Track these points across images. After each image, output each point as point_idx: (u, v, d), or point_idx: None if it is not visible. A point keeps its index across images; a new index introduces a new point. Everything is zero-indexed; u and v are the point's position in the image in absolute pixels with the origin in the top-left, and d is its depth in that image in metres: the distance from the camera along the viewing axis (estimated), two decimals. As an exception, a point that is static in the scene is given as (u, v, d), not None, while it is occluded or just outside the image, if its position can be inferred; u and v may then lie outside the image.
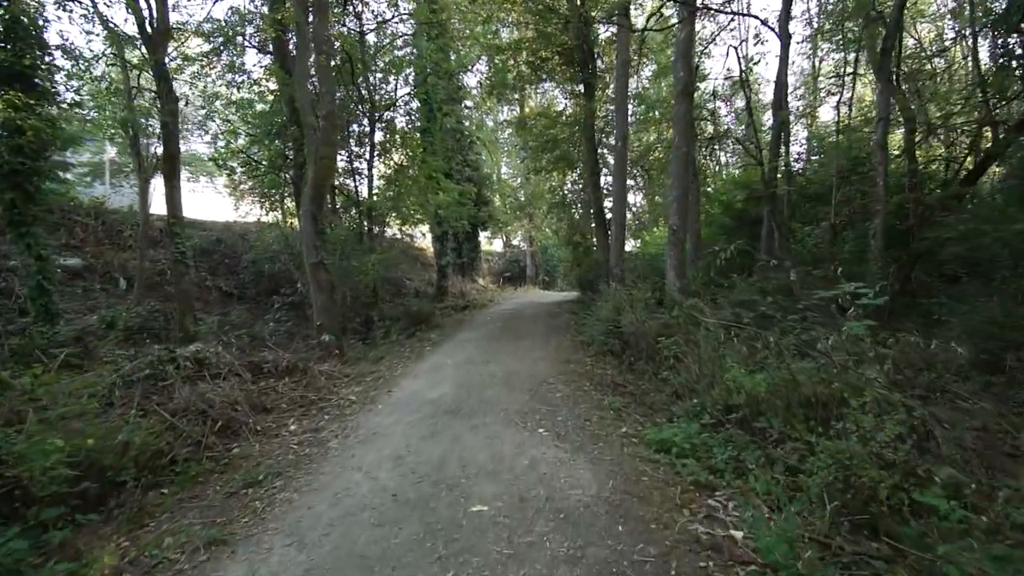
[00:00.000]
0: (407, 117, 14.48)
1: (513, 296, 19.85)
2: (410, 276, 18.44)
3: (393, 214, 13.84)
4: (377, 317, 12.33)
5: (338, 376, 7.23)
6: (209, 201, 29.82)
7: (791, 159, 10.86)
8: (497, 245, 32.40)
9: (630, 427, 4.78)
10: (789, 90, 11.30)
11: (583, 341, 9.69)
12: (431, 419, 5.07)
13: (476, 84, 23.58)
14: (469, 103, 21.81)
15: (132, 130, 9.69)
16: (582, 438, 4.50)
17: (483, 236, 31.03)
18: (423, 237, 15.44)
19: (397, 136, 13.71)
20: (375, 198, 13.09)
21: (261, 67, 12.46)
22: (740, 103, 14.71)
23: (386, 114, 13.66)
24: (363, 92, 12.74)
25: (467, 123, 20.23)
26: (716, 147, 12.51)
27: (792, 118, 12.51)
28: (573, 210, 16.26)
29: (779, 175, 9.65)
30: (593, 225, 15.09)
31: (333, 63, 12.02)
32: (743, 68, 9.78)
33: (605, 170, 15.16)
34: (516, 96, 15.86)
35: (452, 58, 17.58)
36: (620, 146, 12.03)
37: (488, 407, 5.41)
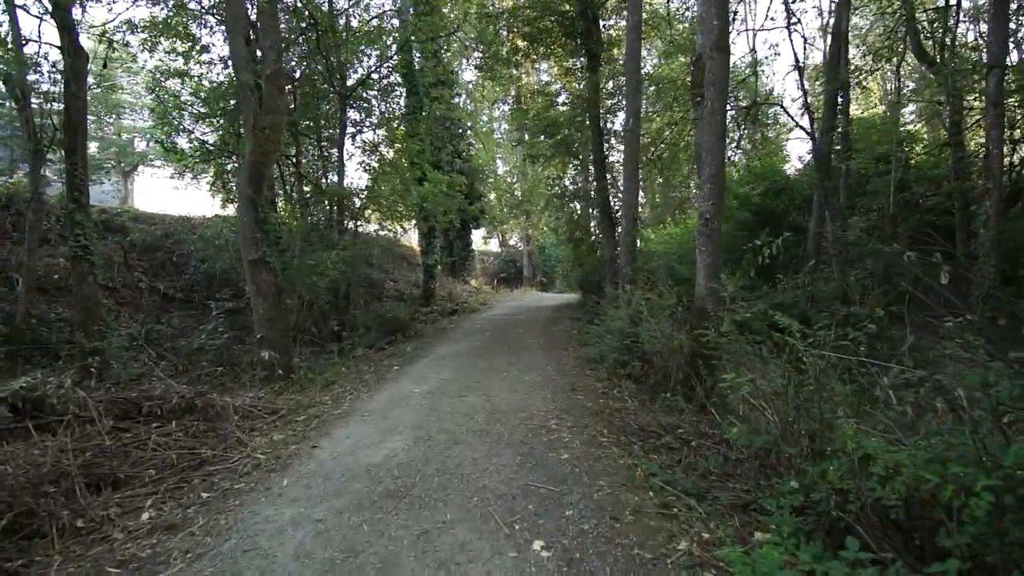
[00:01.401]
0: (386, 96, 12.37)
1: (508, 299, 17.80)
2: (394, 276, 16.37)
3: (370, 205, 11.76)
4: (344, 325, 10.26)
5: (261, 414, 5.15)
6: (194, 198, 27.74)
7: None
8: (493, 245, 30.37)
9: (690, 537, 2.71)
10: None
11: (590, 358, 7.64)
12: (357, 514, 3.00)
13: (467, 66, 21.59)
14: (460, 90, 19.79)
15: (20, 90, 7.59)
16: (612, 568, 2.44)
17: (478, 235, 29.03)
18: (404, 233, 13.41)
19: (372, 117, 11.62)
20: (346, 186, 11.02)
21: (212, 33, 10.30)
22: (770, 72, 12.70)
23: (361, 91, 11.57)
24: (331, 62, 10.65)
25: (458, 110, 18.17)
26: (748, 122, 10.40)
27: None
28: (574, 204, 14.16)
29: (834, 152, 7.63)
30: (597, 220, 13.04)
31: (291, 23, 9.98)
32: (790, 15, 7.73)
33: (611, 157, 13.09)
34: (511, 73, 13.74)
35: (441, 42, 15.56)
36: (631, 124, 9.97)
37: (454, 486, 3.34)
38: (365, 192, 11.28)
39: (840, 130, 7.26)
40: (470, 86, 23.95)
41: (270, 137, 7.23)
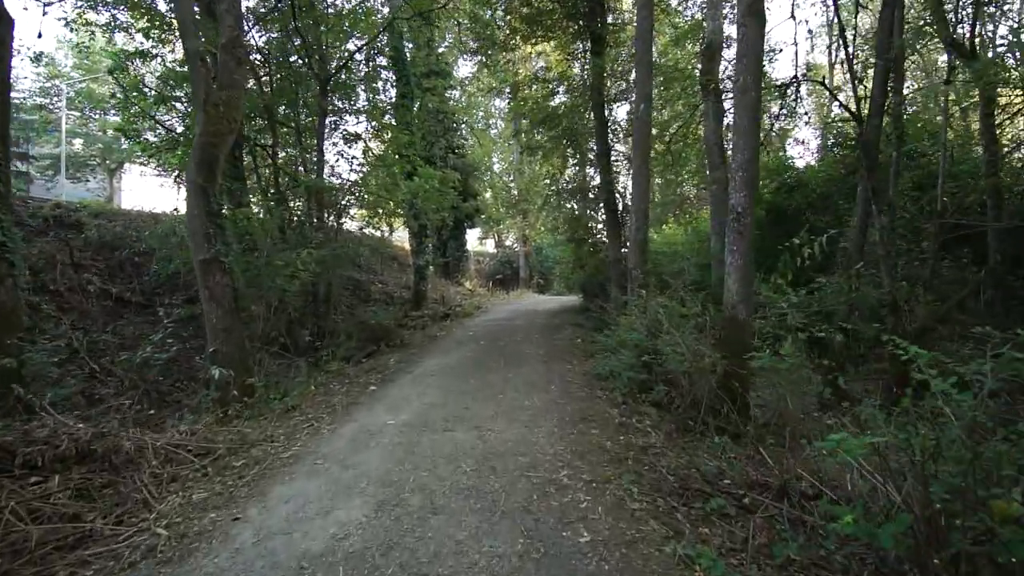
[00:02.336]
0: (371, 81, 11.17)
1: (504, 302, 16.65)
2: (383, 278, 15.17)
3: (352, 201, 10.57)
4: (322, 334, 9.07)
5: (189, 456, 3.96)
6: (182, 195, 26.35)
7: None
8: (489, 246, 29.20)
9: None
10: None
11: (600, 375, 6.50)
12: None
13: (463, 61, 20.43)
14: (455, 84, 18.62)
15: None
16: None
17: (473, 236, 27.85)
18: (391, 231, 12.24)
19: (356, 103, 10.41)
20: (327, 179, 9.83)
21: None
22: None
23: (343, 77, 10.37)
24: (310, 41, 9.46)
25: (452, 102, 17.00)
26: (786, 101, 9.10)
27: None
28: (575, 201, 12.99)
29: (884, 135, 6.50)
30: (602, 216, 11.90)
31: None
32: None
33: (616, 150, 11.94)
34: (507, 59, 12.57)
35: (434, 30, 14.38)
36: (642, 110, 8.85)
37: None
38: (347, 185, 10.08)
39: (890, 111, 6.12)
40: (466, 81, 22.83)
41: (225, 115, 6.04)
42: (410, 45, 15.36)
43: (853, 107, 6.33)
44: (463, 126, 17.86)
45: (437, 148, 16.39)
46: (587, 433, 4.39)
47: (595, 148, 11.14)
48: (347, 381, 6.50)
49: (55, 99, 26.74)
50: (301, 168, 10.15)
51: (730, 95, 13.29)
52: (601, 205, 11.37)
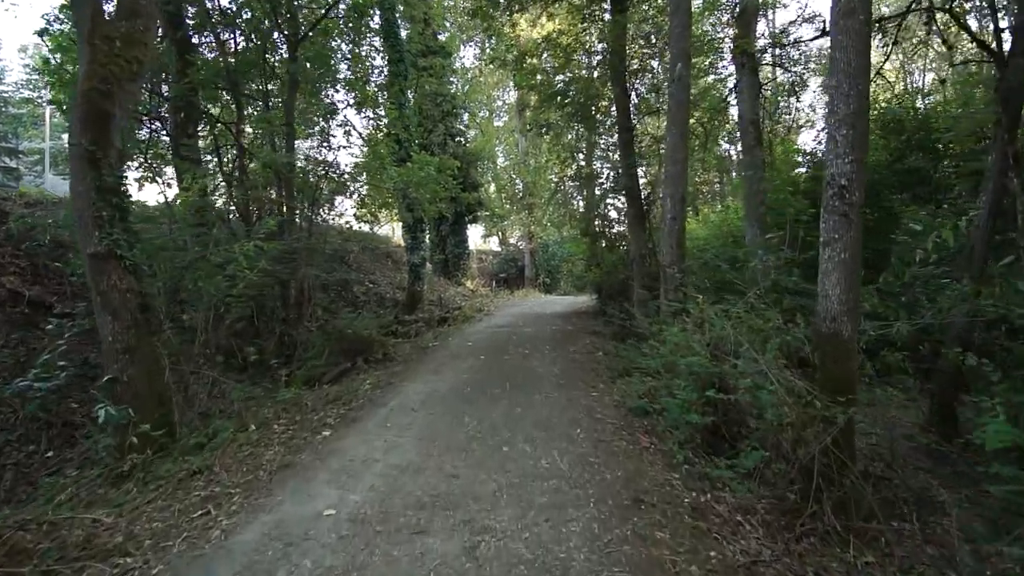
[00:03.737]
0: (356, 43, 9.31)
1: (509, 303, 14.83)
2: (374, 278, 13.37)
3: (332, 187, 8.78)
4: (286, 346, 7.30)
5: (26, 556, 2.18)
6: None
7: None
8: (493, 243, 27.39)
9: None
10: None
11: (637, 410, 4.69)
12: None
13: (465, 50, 18.64)
14: (456, 76, 16.78)
15: None
16: None
17: (476, 233, 26.02)
18: (379, 224, 10.47)
19: (334, 71, 8.55)
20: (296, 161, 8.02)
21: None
22: None
23: (318, 39, 8.53)
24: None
25: (453, 87, 15.16)
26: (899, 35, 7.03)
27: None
28: (593, 187, 11.09)
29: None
30: (622, 206, 10.07)
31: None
32: None
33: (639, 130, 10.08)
34: (510, 22, 10.69)
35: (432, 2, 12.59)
36: (679, 72, 7.01)
37: None
38: (322, 168, 8.28)
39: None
40: (467, 68, 21.00)
41: (122, 53, 4.24)
42: (406, 25, 13.61)
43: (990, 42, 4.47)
44: (464, 112, 16.02)
45: (435, 135, 14.58)
46: (648, 537, 2.58)
47: (616, 124, 9.28)
48: (298, 418, 4.70)
49: (42, 91, 25.16)
50: (265, 144, 8.35)
51: (767, 64, 11.44)
52: (622, 192, 9.52)
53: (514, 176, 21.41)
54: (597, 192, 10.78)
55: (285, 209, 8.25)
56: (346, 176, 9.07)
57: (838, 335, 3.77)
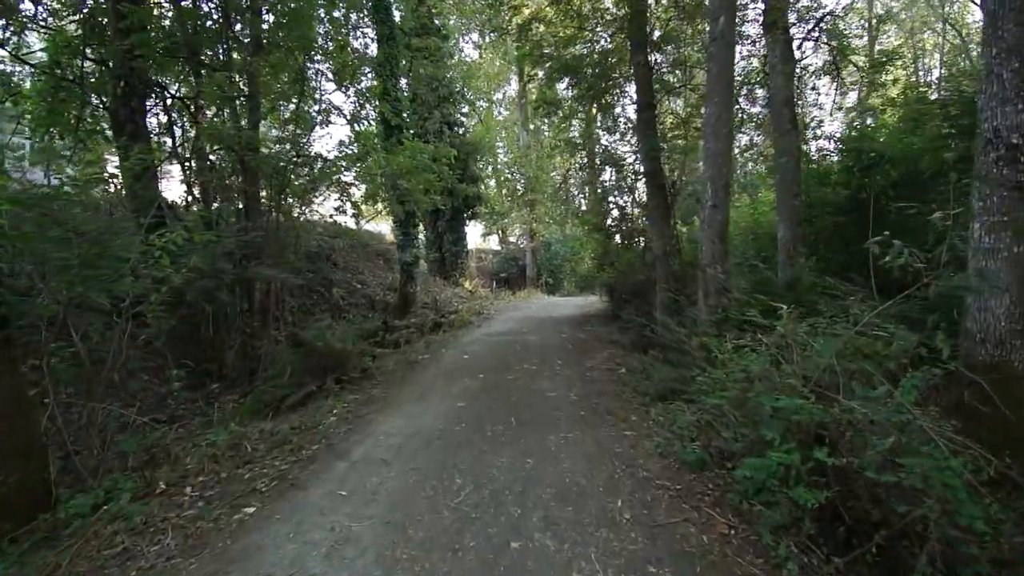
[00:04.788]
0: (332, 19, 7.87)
1: (510, 306, 13.44)
2: (363, 279, 11.97)
3: (303, 173, 7.38)
4: (250, 360, 5.93)
5: None
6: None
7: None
8: (492, 242, 25.97)
9: None
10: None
11: (695, 462, 3.31)
12: None
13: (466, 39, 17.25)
14: (456, 62, 15.36)
15: None
16: None
17: (475, 232, 24.61)
18: (363, 219, 9.08)
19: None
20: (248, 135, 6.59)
21: None
22: None
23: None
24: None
25: (450, 71, 13.75)
26: None
27: None
28: (610, 173, 9.66)
29: None
30: (640, 199, 8.69)
31: None
32: None
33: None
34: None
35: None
36: (722, 28, 5.64)
37: None
38: (292, 151, 6.86)
39: None
40: (467, 57, 19.59)
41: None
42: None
43: None
44: (462, 99, 14.61)
45: (431, 123, 13.18)
46: None
47: (636, 101, 7.89)
48: (224, 475, 3.31)
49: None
50: (225, 118, 6.93)
51: (799, 38, 10.06)
52: (641, 179, 8.13)
53: (515, 170, 19.98)
54: (612, 180, 9.38)
55: (246, 197, 6.86)
56: (324, 161, 7.68)
57: (1007, 365, 2.41)
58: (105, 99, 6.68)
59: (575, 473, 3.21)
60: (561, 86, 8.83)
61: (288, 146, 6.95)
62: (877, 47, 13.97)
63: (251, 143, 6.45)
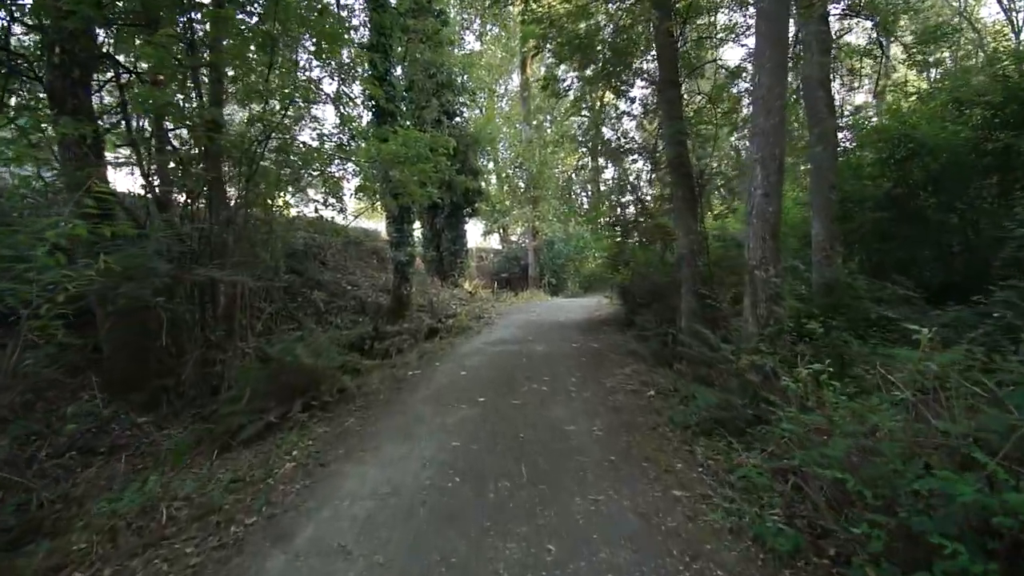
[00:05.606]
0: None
1: (513, 308, 12.37)
2: (354, 279, 10.91)
3: (277, 158, 6.33)
4: (188, 377, 4.90)
5: None
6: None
7: None
8: (493, 241, 24.88)
9: None
10: None
11: (781, 545, 2.24)
12: None
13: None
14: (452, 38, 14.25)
15: None
16: None
17: (476, 232, 23.55)
18: (343, 214, 8.04)
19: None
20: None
21: None
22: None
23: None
24: None
25: (449, 56, 12.66)
26: None
27: None
28: (627, 162, 8.55)
29: None
30: (658, 194, 7.63)
31: None
32: None
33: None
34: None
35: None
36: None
37: None
38: (262, 132, 5.79)
39: None
40: (468, 48, 18.46)
41: None
42: None
43: None
44: (463, 89, 13.51)
45: (428, 112, 12.10)
46: None
47: (658, 78, 6.82)
48: None
49: None
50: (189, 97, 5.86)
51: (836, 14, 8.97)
52: (666, 169, 7.05)
53: (518, 163, 18.88)
54: (630, 170, 8.29)
55: (210, 186, 5.80)
56: (305, 147, 6.63)
57: None
58: (39, 69, 5.62)
59: (619, 572, 2.16)
60: (568, 71, 7.73)
61: (260, 126, 5.88)
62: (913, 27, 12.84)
63: (212, 121, 5.40)
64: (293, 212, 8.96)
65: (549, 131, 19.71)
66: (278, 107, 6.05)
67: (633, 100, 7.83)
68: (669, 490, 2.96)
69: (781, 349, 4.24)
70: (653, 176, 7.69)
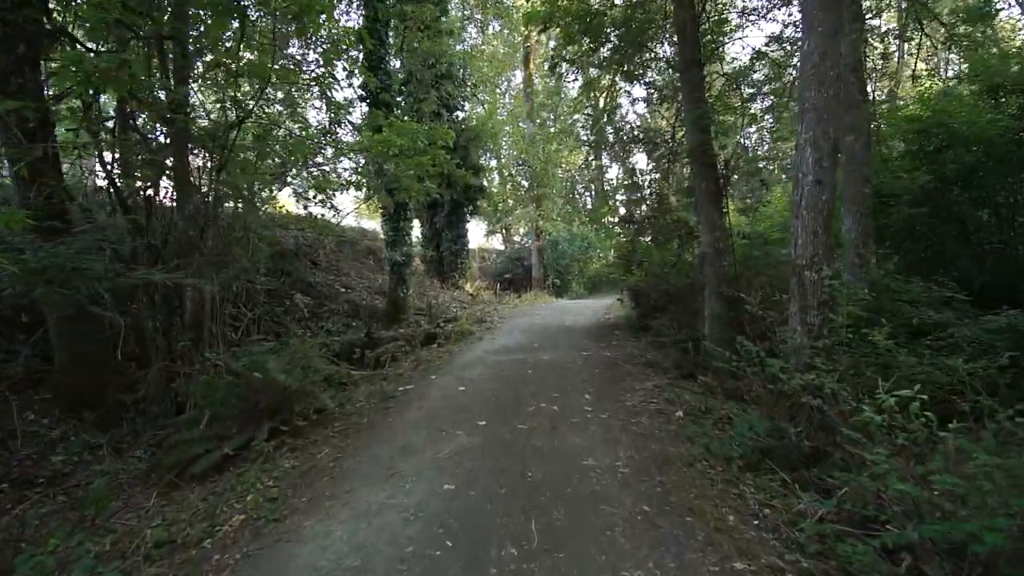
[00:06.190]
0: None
1: (516, 311, 11.63)
2: (348, 281, 10.19)
3: (237, 142, 5.61)
4: (146, 393, 4.20)
5: None
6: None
7: None
8: (496, 242, 24.14)
9: None
10: None
11: None
12: None
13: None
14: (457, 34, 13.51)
15: None
16: None
17: (479, 232, 22.84)
18: (334, 212, 7.37)
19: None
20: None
21: None
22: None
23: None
24: None
25: (449, 47, 11.93)
26: None
27: None
28: (640, 153, 7.76)
29: None
30: (687, 179, 6.90)
31: None
32: None
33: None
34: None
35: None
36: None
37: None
38: (234, 111, 5.07)
39: None
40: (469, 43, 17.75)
41: None
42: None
43: None
44: (463, 83, 12.80)
45: (427, 104, 11.38)
46: None
47: (679, 59, 6.07)
48: None
49: None
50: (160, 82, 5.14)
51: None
52: (688, 160, 6.30)
53: (521, 162, 18.14)
54: (647, 161, 7.54)
55: (176, 176, 5.09)
56: (286, 135, 5.92)
57: None
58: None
59: None
60: (577, 52, 6.98)
61: (232, 109, 5.16)
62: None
63: (176, 101, 4.69)
64: (281, 209, 8.27)
65: (552, 129, 19.00)
66: (252, 88, 5.34)
67: (649, 84, 7.09)
68: (727, 560, 2.22)
69: (839, 365, 3.51)
70: (669, 167, 6.93)
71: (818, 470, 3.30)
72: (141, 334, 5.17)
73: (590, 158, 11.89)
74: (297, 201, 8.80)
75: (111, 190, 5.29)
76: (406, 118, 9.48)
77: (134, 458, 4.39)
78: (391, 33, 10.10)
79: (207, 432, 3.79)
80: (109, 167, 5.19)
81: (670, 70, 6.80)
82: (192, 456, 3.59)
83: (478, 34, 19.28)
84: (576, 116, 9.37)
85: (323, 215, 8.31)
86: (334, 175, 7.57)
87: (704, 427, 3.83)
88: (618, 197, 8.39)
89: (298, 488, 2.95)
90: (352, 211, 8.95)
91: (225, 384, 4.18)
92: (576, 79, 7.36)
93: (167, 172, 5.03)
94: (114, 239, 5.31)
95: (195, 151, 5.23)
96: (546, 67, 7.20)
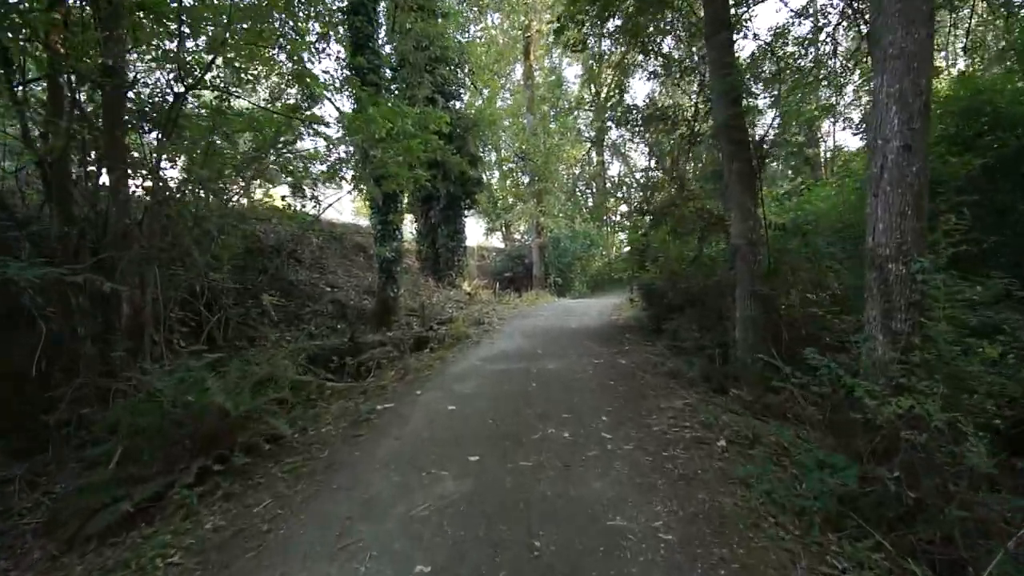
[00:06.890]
0: None
1: (516, 312, 10.71)
2: (335, 280, 9.29)
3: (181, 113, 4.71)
4: (61, 416, 3.30)
5: None
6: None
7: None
8: (495, 240, 23.19)
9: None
10: None
11: None
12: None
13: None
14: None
15: None
16: None
17: (478, 231, 21.93)
18: (314, 203, 6.52)
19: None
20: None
21: None
22: None
23: None
24: None
25: (444, 29, 11.00)
26: None
27: None
28: (659, 133, 6.77)
29: None
30: (711, 163, 6.00)
31: None
32: None
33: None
34: None
35: None
36: None
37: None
38: (178, 80, 4.18)
39: None
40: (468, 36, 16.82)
41: None
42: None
43: None
44: (460, 71, 11.89)
45: (421, 90, 10.47)
46: None
47: (705, 31, 5.16)
48: None
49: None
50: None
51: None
52: (716, 139, 5.39)
53: (522, 154, 17.22)
54: (661, 140, 6.62)
55: (108, 153, 4.20)
56: (250, 109, 5.03)
57: None
58: None
59: None
60: (585, 21, 6.06)
61: (172, 74, 4.26)
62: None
63: (107, 68, 3.79)
64: (265, 202, 7.40)
65: (553, 125, 18.08)
66: (197, 46, 4.43)
67: (665, 56, 6.17)
68: None
69: (939, 387, 2.64)
70: (691, 149, 6.02)
71: (921, 528, 2.45)
72: (74, 342, 4.29)
73: (591, 153, 10.98)
74: (272, 193, 7.93)
75: (42, 170, 4.41)
76: (400, 104, 8.62)
77: (51, 495, 3.54)
78: (381, 12, 9.20)
79: (119, 473, 2.90)
80: (28, 136, 4.29)
81: (692, 38, 5.88)
82: (94, 507, 2.71)
83: (476, 18, 18.33)
84: (577, 111, 8.42)
85: (302, 206, 7.44)
86: (312, 164, 6.69)
87: (758, 464, 2.94)
88: (631, 185, 7.43)
89: (209, 569, 2.06)
90: (334, 202, 8.03)
91: (154, 408, 3.29)
92: (583, 48, 6.38)
93: (80, 140, 4.12)
94: (36, 229, 4.44)
95: (133, 123, 4.34)
96: (555, 30, 6.22)
